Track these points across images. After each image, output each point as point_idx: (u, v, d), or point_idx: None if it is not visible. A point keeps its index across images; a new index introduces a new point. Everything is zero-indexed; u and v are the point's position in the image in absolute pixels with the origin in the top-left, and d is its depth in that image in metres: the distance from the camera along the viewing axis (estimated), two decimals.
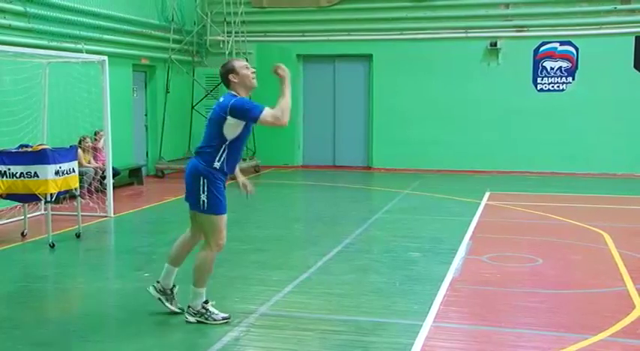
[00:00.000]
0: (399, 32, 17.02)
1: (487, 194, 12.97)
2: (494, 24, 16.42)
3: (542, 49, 16.20)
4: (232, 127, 5.45)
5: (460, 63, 16.60)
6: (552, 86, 16.19)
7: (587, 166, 15.89)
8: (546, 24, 16.15)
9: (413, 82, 16.92)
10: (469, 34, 16.56)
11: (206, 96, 17.04)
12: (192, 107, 17.02)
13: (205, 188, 5.49)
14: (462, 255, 8.21)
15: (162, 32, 16.27)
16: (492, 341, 5.50)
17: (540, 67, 16.23)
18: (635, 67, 15.60)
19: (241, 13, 17.23)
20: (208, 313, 5.72)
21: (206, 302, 5.73)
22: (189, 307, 5.74)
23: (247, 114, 5.40)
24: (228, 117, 5.41)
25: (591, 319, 5.92)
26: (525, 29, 16.28)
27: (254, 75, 5.70)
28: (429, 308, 6.17)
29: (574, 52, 16.03)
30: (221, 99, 5.61)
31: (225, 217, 5.62)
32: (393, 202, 12.43)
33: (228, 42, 16.85)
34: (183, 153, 17.23)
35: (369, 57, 17.37)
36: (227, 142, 5.49)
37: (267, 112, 5.39)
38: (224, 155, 5.51)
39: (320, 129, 17.94)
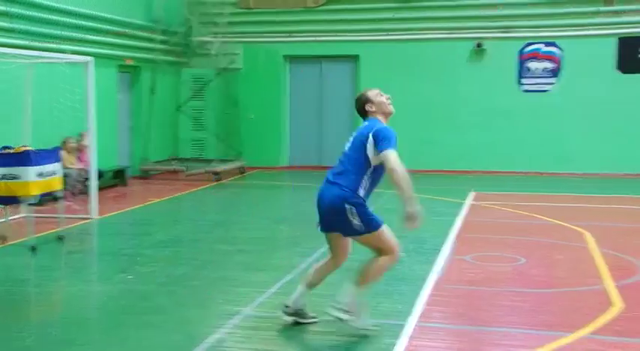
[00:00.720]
0: (385, 33, 17.05)
1: (472, 194, 13.02)
2: (480, 25, 16.48)
3: (527, 49, 16.28)
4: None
5: (446, 63, 16.66)
6: (537, 87, 16.27)
7: (571, 166, 15.98)
8: (531, 25, 16.25)
9: (399, 83, 16.92)
10: (455, 35, 16.61)
11: (192, 97, 17.01)
12: (178, 108, 16.97)
13: (355, 213, 5.32)
14: (447, 255, 8.24)
15: (147, 33, 16.22)
16: (476, 340, 5.54)
17: (525, 68, 16.32)
18: (618, 68, 15.70)
19: (228, 14, 17.21)
20: (356, 314, 5.49)
21: (355, 303, 5.55)
22: (337, 302, 5.50)
23: (382, 142, 5.25)
24: (370, 138, 5.34)
25: (572, 317, 5.97)
26: (511, 30, 16.35)
27: (389, 101, 5.69)
28: (414, 308, 6.20)
29: (558, 53, 16.12)
30: (365, 123, 5.57)
31: (385, 227, 5.49)
32: (378, 202, 12.37)
33: (214, 43, 16.82)
34: (168, 154, 17.20)
35: (355, 57, 17.39)
36: (371, 168, 5.39)
37: (393, 153, 5.24)
38: (368, 182, 5.41)
39: (306, 129, 17.94)
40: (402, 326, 5.71)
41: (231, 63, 17.31)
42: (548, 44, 16.14)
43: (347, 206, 5.32)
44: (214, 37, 17.04)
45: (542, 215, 10.89)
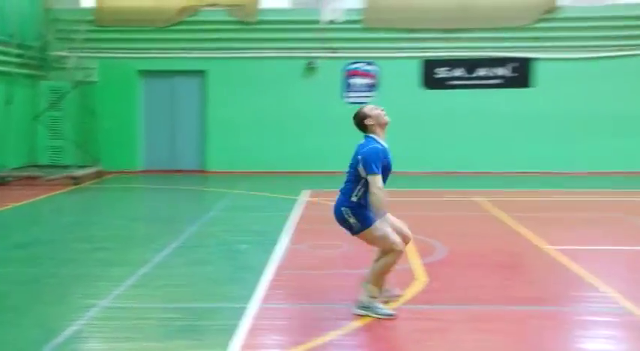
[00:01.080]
0: (229, 51, 17.01)
1: (307, 192, 13.25)
2: (311, 46, 16.84)
3: (350, 68, 16.86)
4: None
5: (283, 78, 16.89)
6: (359, 99, 16.88)
7: (401, 163, 16.62)
8: (354, 47, 16.83)
9: (243, 95, 16.99)
10: (290, 54, 16.87)
11: (50, 108, 16.06)
12: (36, 118, 15.96)
13: (350, 214, 5.53)
14: (286, 245, 8.36)
15: (2, 46, 15.10)
16: (310, 317, 5.66)
17: (349, 84, 16.89)
18: (422, 85, 16.67)
19: (84, 31, 16.42)
20: (373, 307, 5.54)
21: (373, 297, 5.54)
22: (358, 301, 5.61)
23: (367, 167, 5.47)
24: (360, 161, 5.54)
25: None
26: (337, 51, 16.84)
27: (384, 112, 5.69)
28: (256, 292, 6.24)
29: (376, 71, 16.83)
30: (362, 141, 5.69)
31: (379, 224, 5.51)
32: (225, 200, 12.39)
33: (70, 57, 15.99)
34: (26, 161, 16.11)
35: (203, 72, 17.20)
36: (363, 180, 5.52)
37: (375, 177, 5.46)
38: (361, 191, 5.53)
39: (160, 136, 17.51)
40: (245, 309, 5.74)
41: (87, 76, 16.53)
42: (367, 63, 16.82)
43: (343, 209, 5.59)
44: (71, 52, 16.19)
45: None
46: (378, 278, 5.63)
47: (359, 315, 5.57)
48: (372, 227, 5.53)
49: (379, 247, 5.63)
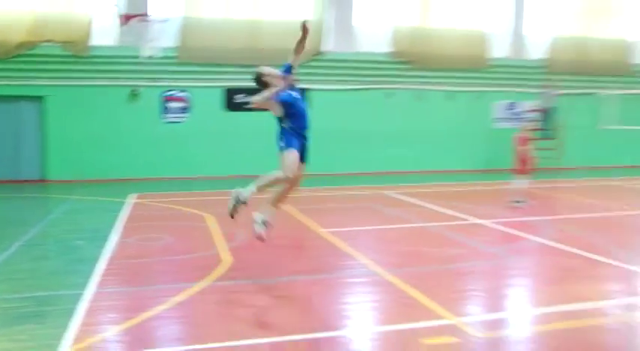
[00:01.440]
0: (65, 79, 15.76)
1: (134, 195, 12.78)
2: (135, 76, 16.19)
3: (167, 93, 16.54)
4: (276, 107, 5.84)
5: (112, 103, 16.06)
6: (175, 119, 16.66)
7: (199, 170, 16.63)
8: (170, 77, 16.50)
9: (78, 116, 15.84)
10: (118, 83, 16.09)
11: None
12: None
13: (280, 137, 5.79)
14: (116, 239, 8.09)
15: None
16: (138, 297, 5.65)
17: (166, 107, 16.56)
18: (225, 107, 16.84)
19: None
20: (240, 202, 5.73)
21: (245, 203, 5.73)
22: (239, 192, 5.76)
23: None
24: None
25: (200, 273, 6.33)
26: (157, 80, 16.39)
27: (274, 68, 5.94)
28: (91, 280, 6.04)
29: (188, 96, 16.69)
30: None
31: (294, 154, 5.70)
32: (64, 205, 11.53)
33: None
34: None
35: (42, 97, 15.73)
36: (283, 115, 5.81)
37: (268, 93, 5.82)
38: (286, 120, 5.81)
39: (3, 150, 15.67)
40: (82, 294, 5.55)
41: None
42: (181, 91, 16.63)
43: (279, 135, 5.86)
44: None
45: (186, 207, 11.17)
46: (262, 187, 5.79)
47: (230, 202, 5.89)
48: (287, 152, 5.80)
49: (281, 167, 5.84)
